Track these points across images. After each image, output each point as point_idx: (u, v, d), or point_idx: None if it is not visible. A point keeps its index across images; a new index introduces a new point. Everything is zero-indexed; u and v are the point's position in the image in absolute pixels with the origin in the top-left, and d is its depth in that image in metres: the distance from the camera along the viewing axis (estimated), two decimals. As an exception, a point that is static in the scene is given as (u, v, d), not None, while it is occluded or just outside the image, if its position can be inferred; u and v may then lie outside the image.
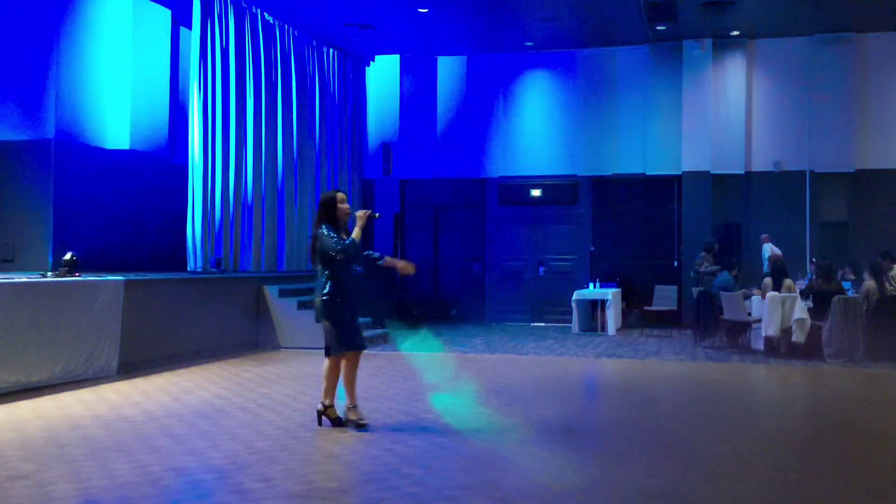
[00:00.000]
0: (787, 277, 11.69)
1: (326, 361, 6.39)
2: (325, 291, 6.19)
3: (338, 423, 6.33)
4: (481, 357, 11.21)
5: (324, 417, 6.37)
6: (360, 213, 6.35)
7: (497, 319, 16.67)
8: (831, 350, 10.86)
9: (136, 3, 12.16)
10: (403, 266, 6.75)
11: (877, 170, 15.14)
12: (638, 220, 16.17)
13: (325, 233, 6.21)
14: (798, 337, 11.10)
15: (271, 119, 13.64)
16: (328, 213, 6.30)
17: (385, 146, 16.96)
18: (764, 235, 14.89)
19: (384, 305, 15.76)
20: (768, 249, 14.31)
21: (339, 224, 6.33)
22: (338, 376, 6.38)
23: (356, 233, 6.24)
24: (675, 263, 15.80)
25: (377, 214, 6.45)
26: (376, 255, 6.64)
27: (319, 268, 6.29)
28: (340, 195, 6.38)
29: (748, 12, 14.11)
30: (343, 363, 6.34)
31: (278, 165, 13.85)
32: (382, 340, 12.79)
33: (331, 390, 6.36)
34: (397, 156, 16.97)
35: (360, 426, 6.23)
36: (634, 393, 8.40)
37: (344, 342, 6.25)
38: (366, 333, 12.23)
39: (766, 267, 13.34)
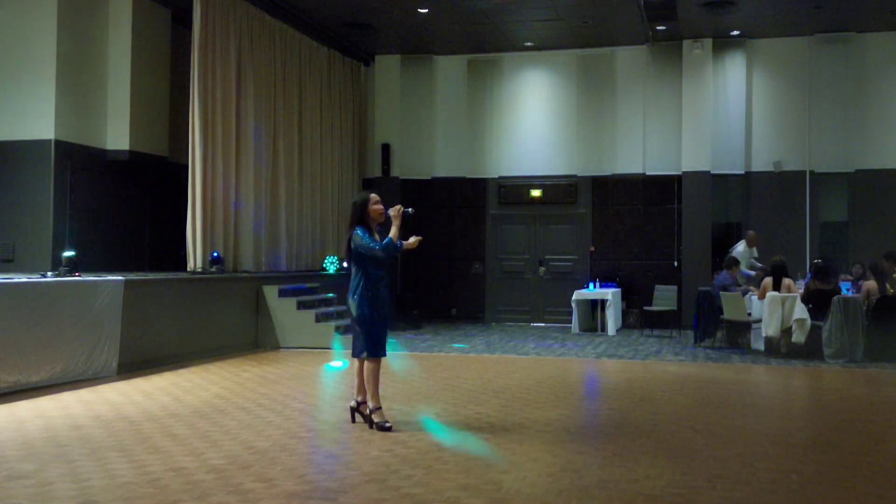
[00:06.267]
0: (788, 277, 11.70)
1: (357, 363, 6.50)
2: (357, 293, 6.29)
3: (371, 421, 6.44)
4: (481, 357, 11.21)
5: (355, 414, 6.53)
6: (393, 213, 6.32)
7: (497, 319, 16.67)
8: (831, 350, 10.87)
9: (136, 3, 12.16)
10: (414, 243, 6.59)
11: (877, 170, 15.12)
12: (638, 220, 16.17)
13: (360, 234, 6.24)
14: (798, 337, 11.10)
15: (271, 119, 13.63)
16: (360, 215, 6.34)
17: (385, 146, 16.96)
18: (750, 233, 14.13)
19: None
20: (744, 254, 13.64)
21: (373, 225, 6.36)
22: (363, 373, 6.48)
23: (394, 232, 6.27)
24: (675, 263, 15.80)
25: (410, 210, 6.39)
26: (399, 245, 6.35)
27: (353, 269, 6.36)
28: (374, 196, 6.39)
29: (748, 12, 14.10)
30: (366, 365, 6.39)
31: (279, 165, 13.85)
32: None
33: (361, 387, 6.50)
34: (397, 156, 16.97)
35: (386, 428, 6.24)
36: (635, 393, 8.40)
37: (371, 348, 6.30)
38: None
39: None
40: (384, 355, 6.44)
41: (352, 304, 6.34)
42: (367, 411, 6.46)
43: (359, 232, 6.26)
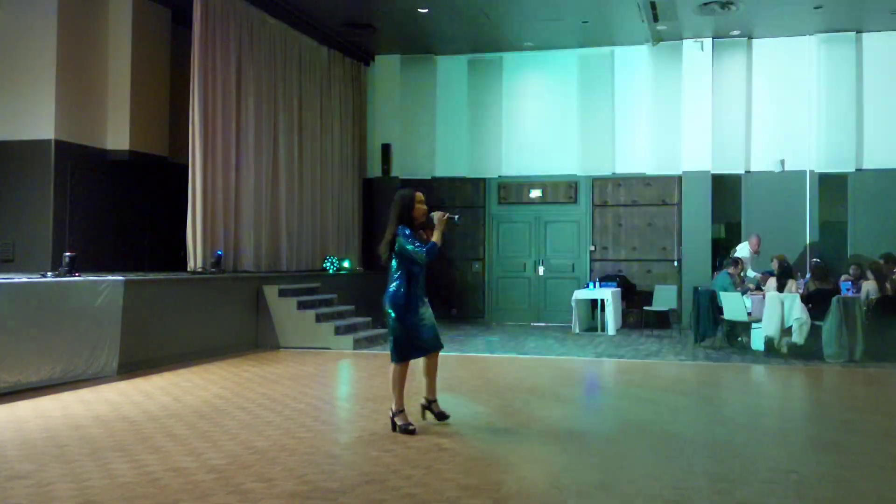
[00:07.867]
0: (792, 278, 11.71)
1: (423, 362, 6.40)
2: (397, 291, 6.16)
3: (441, 416, 6.49)
4: (481, 357, 11.21)
5: (427, 412, 6.53)
6: (438, 216, 6.17)
7: (497, 319, 16.66)
8: (831, 350, 10.86)
9: (136, 3, 12.16)
10: (441, 227, 6.25)
11: (877, 170, 15.12)
12: (638, 220, 16.17)
13: (405, 235, 6.09)
14: (798, 337, 11.11)
15: (271, 119, 13.63)
16: (405, 213, 6.18)
17: (385, 146, 16.95)
18: (753, 238, 13.93)
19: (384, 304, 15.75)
20: (748, 258, 13.55)
21: (416, 224, 6.21)
22: (428, 371, 6.46)
23: (437, 236, 6.12)
24: (675, 263, 15.79)
25: (456, 217, 6.20)
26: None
27: (394, 266, 6.21)
28: (419, 195, 6.22)
29: (748, 12, 14.10)
30: (394, 367, 6.26)
31: (279, 165, 13.85)
32: (382, 340, 12.78)
33: (429, 386, 6.49)
34: (397, 156, 16.96)
35: (408, 431, 6.11)
36: (635, 393, 8.40)
37: (397, 351, 6.19)
38: (366, 334, 12.42)
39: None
40: (411, 358, 6.27)
41: (389, 302, 6.17)
42: (439, 409, 6.49)
43: (405, 232, 6.10)
